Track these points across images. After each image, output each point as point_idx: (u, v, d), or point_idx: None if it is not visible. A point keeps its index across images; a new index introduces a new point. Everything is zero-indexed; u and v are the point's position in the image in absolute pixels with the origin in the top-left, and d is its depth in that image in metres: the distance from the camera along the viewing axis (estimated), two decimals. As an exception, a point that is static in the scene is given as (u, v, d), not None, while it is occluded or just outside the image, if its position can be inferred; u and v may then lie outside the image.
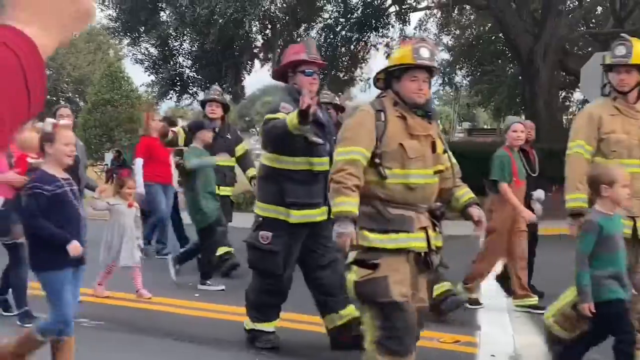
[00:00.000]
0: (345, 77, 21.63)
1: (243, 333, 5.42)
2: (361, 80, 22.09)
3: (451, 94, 44.01)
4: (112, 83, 36.13)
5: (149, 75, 20.22)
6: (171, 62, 19.72)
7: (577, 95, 27.97)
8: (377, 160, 3.87)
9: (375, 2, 19.74)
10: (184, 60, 20.02)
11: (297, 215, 5.06)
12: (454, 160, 4.26)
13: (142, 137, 9.52)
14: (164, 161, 9.22)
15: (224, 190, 8.29)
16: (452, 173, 4.21)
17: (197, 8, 15.11)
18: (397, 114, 3.97)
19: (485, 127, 57.02)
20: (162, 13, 18.87)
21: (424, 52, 3.98)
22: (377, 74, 4.24)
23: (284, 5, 18.50)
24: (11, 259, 6.05)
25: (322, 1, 19.25)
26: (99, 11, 19.60)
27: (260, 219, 5.21)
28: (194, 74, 19.99)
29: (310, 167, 5.05)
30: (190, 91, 19.93)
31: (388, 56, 15.95)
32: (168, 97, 20.61)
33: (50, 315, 4.52)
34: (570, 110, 31.63)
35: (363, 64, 21.39)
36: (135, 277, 7.05)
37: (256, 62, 20.32)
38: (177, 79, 19.86)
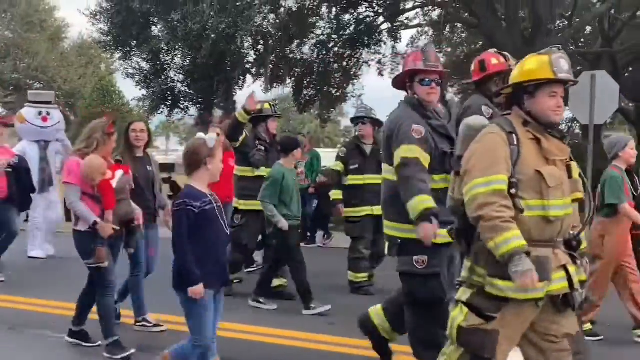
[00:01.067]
0: (338, 94, 21.69)
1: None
2: (353, 97, 22.16)
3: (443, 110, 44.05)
4: (103, 97, 36.12)
5: (140, 90, 20.22)
6: (162, 77, 19.73)
7: (567, 114, 28.11)
8: (512, 191, 3.41)
9: (367, 19, 19.83)
10: (175, 75, 20.04)
11: (443, 235, 4.46)
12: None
13: None
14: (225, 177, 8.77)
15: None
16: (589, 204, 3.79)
17: (189, 23, 15.17)
18: (529, 135, 3.54)
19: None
20: (153, 27, 18.91)
21: (564, 64, 3.61)
22: (501, 89, 3.85)
23: (277, 21, 18.57)
24: (95, 284, 5.83)
25: (314, 17, 19.32)
26: (90, 25, 19.66)
27: (399, 241, 4.75)
28: (186, 88, 20.01)
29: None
30: (182, 106, 19.95)
31: (380, 73, 15.91)
32: (159, 112, 20.61)
33: (190, 339, 4.43)
34: (560, 127, 31.73)
35: (355, 80, 21.46)
36: None
37: (248, 77, 20.36)
38: (169, 93, 19.87)
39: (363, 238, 8.30)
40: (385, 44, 20.99)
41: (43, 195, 10.67)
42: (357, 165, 8.44)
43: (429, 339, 4.61)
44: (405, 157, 4.60)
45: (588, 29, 26.47)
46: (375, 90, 28.79)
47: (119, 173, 5.96)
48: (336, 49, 20.35)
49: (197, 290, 4.29)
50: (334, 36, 20.06)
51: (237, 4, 15.59)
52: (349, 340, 6.02)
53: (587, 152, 13.96)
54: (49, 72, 36.66)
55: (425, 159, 4.64)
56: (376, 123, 8.55)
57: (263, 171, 7.82)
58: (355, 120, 8.74)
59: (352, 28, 19.88)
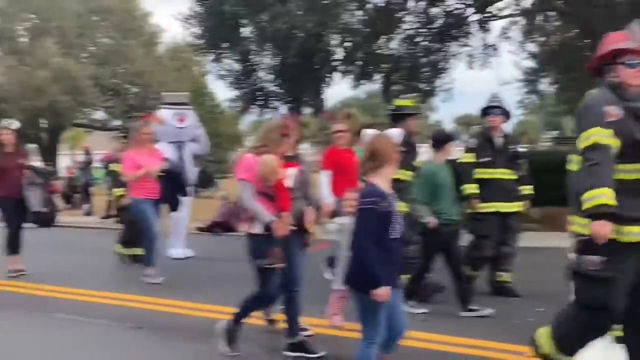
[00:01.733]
0: (427, 88, 21.45)
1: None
2: (442, 91, 21.86)
3: (536, 102, 43.03)
4: (196, 99, 37.09)
5: (231, 91, 20.59)
6: (252, 77, 20.03)
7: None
8: None
9: (456, 11, 19.52)
10: (265, 75, 20.30)
11: (634, 233, 4.23)
12: None
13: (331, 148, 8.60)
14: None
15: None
16: None
17: (278, 23, 15.32)
18: None
19: (572, 135, 55.45)
20: (243, 29, 19.20)
21: None
22: None
23: (364, 17, 18.51)
24: (263, 285, 5.69)
25: (401, 12, 19.16)
26: (183, 29, 20.13)
27: (581, 237, 4.37)
28: (276, 88, 20.24)
29: None
30: (272, 105, 20.18)
31: (470, 65, 15.64)
32: (250, 112, 20.94)
33: (364, 341, 4.44)
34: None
35: (444, 74, 21.16)
36: (338, 300, 6.60)
37: (336, 75, 20.39)
38: (259, 93, 20.15)
39: (488, 237, 7.95)
40: (475, 35, 20.64)
41: None
42: (489, 158, 8.02)
43: (570, 333, 4.40)
44: (593, 142, 4.23)
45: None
46: (465, 84, 28.36)
47: (293, 171, 5.86)
48: (424, 43, 20.11)
49: (382, 292, 4.23)
50: (422, 30, 19.84)
51: (325, 2, 15.64)
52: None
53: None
54: (145, 77, 37.85)
55: (616, 145, 4.26)
56: (506, 114, 8.22)
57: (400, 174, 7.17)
58: (485, 111, 8.26)
59: (440, 21, 19.63)
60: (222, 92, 46.04)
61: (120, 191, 10.40)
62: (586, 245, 4.28)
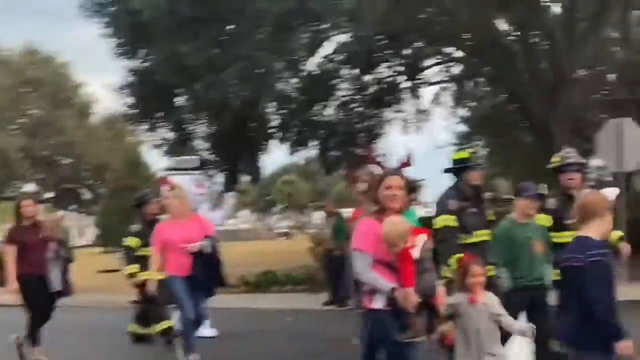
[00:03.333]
0: (363, 153, 21.69)
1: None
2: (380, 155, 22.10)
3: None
4: (131, 169, 36.66)
5: (166, 160, 20.39)
6: (187, 146, 19.91)
7: (595, 162, 27.79)
8: None
9: (388, 78, 19.94)
10: (200, 144, 20.22)
11: None
12: None
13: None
14: None
15: None
16: None
17: (211, 92, 15.34)
18: None
19: (505, 197, 56.66)
20: (177, 98, 19.17)
21: None
22: None
23: (299, 85, 18.73)
24: None
25: (336, 79, 19.46)
26: (116, 99, 19.97)
27: None
28: (212, 156, 20.14)
29: None
30: (208, 174, 20.05)
31: (404, 130, 15.63)
32: (186, 181, 20.71)
33: None
34: (589, 176, 31.35)
35: (379, 139, 21.46)
36: None
37: (272, 142, 20.46)
38: (195, 162, 20.02)
39: None
40: (407, 102, 21.09)
41: None
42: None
43: None
44: None
45: (612, 76, 26.35)
46: (399, 148, 28.73)
47: (421, 238, 4.87)
48: (359, 109, 20.43)
49: (627, 345, 4.07)
50: (356, 97, 20.16)
51: (258, 71, 15.77)
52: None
53: (619, 199, 13.72)
54: (77, 147, 37.37)
55: None
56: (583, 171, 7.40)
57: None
58: (561, 168, 7.39)
59: (373, 88, 20.00)
60: (157, 161, 45.52)
61: (135, 268, 8.92)
62: None
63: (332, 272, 12.99)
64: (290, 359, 8.20)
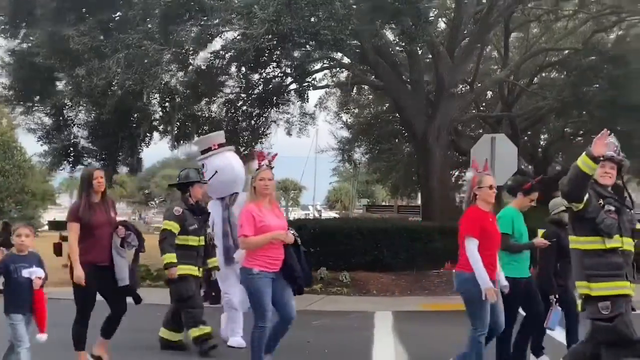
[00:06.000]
0: (246, 152, 21.65)
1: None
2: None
3: (350, 170, 44.79)
4: (3, 152, 34.98)
5: (41, 145, 19.54)
6: (65, 132, 19.20)
7: (470, 174, 28.95)
8: None
9: (276, 79, 20.02)
10: (78, 131, 19.53)
11: None
12: None
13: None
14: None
15: None
16: None
17: (94, 79, 14.87)
18: None
19: (383, 203, 58.08)
20: (57, 82, 18.46)
21: None
22: None
23: (185, 79, 18.48)
24: None
25: (223, 76, 19.33)
26: (-8, 79, 19.02)
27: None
28: (89, 144, 19.51)
29: None
30: (85, 162, 19.42)
31: (288, 132, 15.82)
32: (61, 168, 19.97)
33: None
34: (463, 188, 32.64)
35: (263, 139, 21.50)
36: None
37: (155, 134, 20.06)
38: (71, 149, 19.32)
39: None
40: (293, 103, 21.23)
41: (232, 266, 8.29)
42: None
43: None
44: None
45: (489, 93, 27.58)
46: (283, 149, 28.85)
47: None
48: (245, 107, 20.39)
49: None
50: (242, 95, 20.11)
51: (145, 61, 15.42)
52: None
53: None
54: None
55: None
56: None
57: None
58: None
59: (260, 87, 20.02)
60: (32, 146, 43.73)
61: (173, 257, 7.71)
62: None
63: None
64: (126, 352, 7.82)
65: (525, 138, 27.38)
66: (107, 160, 19.51)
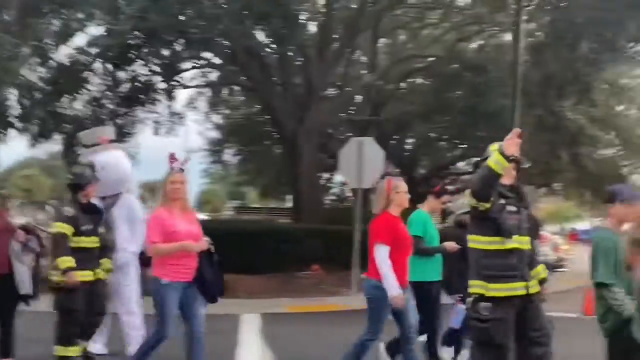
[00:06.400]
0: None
1: None
2: (128, 155, 21.49)
3: (220, 171, 44.39)
4: None
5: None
6: None
7: (339, 178, 29.39)
8: None
9: (143, 77, 19.49)
10: None
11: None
12: None
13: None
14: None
15: None
16: None
17: (-55, 71, 13.96)
18: None
19: (253, 205, 57.94)
20: None
21: None
22: None
23: (47, 74, 17.65)
24: None
25: (87, 73, 18.63)
26: None
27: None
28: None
29: None
30: None
31: (156, 132, 15.29)
32: None
33: None
34: (332, 191, 33.08)
35: (129, 139, 20.87)
36: None
37: (12, 131, 19.00)
38: None
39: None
40: (161, 102, 20.76)
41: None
42: None
43: None
44: None
45: (358, 97, 28.07)
46: (151, 150, 28.22)
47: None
48: (110, 106, 19.72)
49: None
50: (108, 93, 19.45)
51: (2, 54, 14.61)
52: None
53: (355, 214, 14.58)
54: None
55: None
56: None
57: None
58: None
59: (127, 85, 19.43)
60: None
61: (70, 261, 7.04)
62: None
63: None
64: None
65: (393, 142, 28.05)
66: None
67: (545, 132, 20.64)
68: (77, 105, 19.59)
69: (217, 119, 28.50)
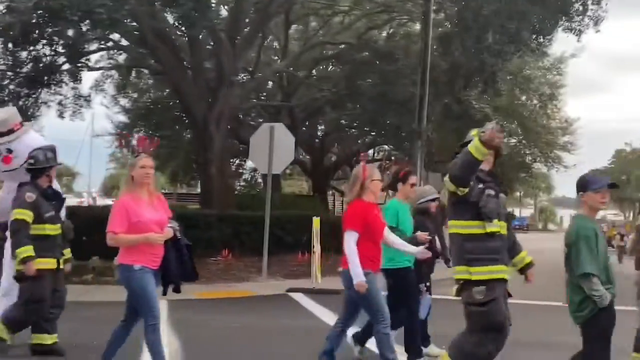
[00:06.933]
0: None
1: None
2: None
3: (128, 157, 43.50)
4: None
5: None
6: None
7: (250, 163, 29.31)
8: None
9: (47, 58, 18.81)
10: None
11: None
12: None
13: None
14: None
15: None
16: None
17: None
18: None
19: (163, 191, 57.13)
20: None
21: None
22: None
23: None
24: None
25: (-14, 52, 17.87)
26: None
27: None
28: None
29: None
30: None
31: (61, 114, 14.82)
32: None
33: None
34: (243, 177, 32.98)
35: (33, 121, 20.16)
36: None
37: None
38: None
39: None
40: (66, 84, 20.12)
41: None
42: None
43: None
44: None
45: (270, 83, 28.01)
46: (57, 132, 27.38)
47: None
48: (12, 86, 18.97)
49: None
50: (9, 73, 18.70)
51: None
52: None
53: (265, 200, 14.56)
54: None
55: None
56: None
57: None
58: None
59: (29, 66, 18.72)
60: None
61: (30, 250, 6.74)
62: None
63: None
64: None
65: (304, 128, 28.18)
66: None
67: (452, 120, 21.16)
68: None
69: (125, 102, 27.91)
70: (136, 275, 5.53)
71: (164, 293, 5.82)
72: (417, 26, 23.59)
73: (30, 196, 6.77)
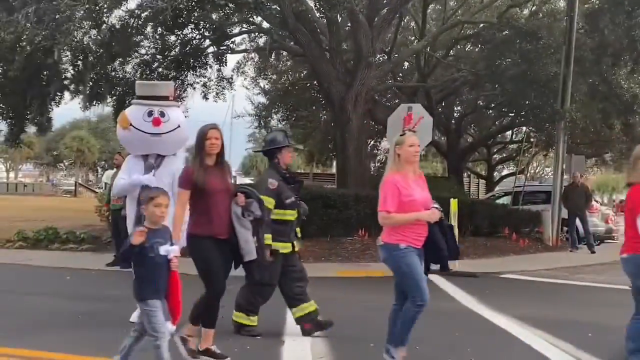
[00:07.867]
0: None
1: None
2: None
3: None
4: None
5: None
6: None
7: (385, 144, 29.34)
8: None
9: (193, 41, 19.61)
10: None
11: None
12: None
13: None
14: None
15: None
16: None
17: (2, 32, 14.22)
18: None
19: (298, 171, 58.15)
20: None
21: None
22: None
23: (98, 37, 17.90)
24: None
25: (138, 36, 18.82)
26: None
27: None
28: (-4, 102, 18.68)
29: None
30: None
31: (205, 96, 15.55)
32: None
33: None
34: (378, 158, 33.07)
35: (180, 103, 21.09)
36: None
37: (66, 94, 19.37)
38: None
39: None
40: (211, 67, 20.89)
41: None
42: None
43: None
44: None
45: (406, 64, 27.87)
46: (199, 113, 28.46)
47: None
48: (160, 69, 19.92)
49: None
50: (158, 56, 19.64)
51: (56, 16, 14.84)
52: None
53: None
54: None
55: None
56: None
57: None
58: None
59: (177, 49, 19.59)
60: None
61: (268, 238, 6.79)
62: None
63: (117, 232, 12.22)
64: (64, 318, 7.83)
65: (440, 109, 27.87)
66: (14, 119, 18.78)
67: (598, 100, 20.28)
68: (128, 69, 19.86)
69: (264, 84, 28.63)
70: (402, 254, 5.48)
71: (426, 273, 5.70)
72: (562, 2, 22.71)
73: (273, 182, 6.75)
